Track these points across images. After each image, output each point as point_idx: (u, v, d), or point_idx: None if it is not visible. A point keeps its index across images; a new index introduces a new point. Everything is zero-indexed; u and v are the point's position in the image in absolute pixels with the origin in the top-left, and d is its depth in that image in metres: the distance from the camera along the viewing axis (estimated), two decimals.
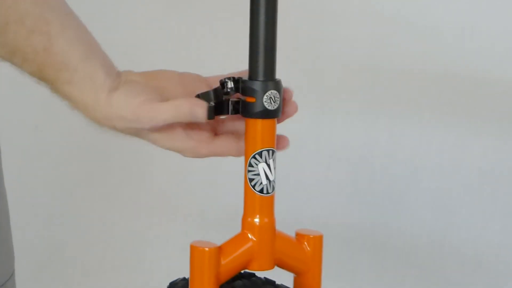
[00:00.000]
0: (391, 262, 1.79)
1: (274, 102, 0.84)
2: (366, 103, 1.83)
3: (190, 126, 0.87)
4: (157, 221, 2.00)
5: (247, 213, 0.85)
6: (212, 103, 0.83)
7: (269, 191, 0.85)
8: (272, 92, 0.83)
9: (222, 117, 0.89)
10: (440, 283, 1.75)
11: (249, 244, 0.85)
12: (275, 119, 0.84)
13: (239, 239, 0.85)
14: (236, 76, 0.85)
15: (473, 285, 1.74)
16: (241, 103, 0.84)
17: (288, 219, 1.75)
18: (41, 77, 0.84)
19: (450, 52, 1.77)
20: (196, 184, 1.97)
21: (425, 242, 1.77)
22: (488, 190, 1.74)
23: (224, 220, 1.86)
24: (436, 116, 1.78)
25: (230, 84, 0.84)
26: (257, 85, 0.83)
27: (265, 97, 0.83)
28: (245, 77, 0.85)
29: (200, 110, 0.82)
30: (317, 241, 0.89)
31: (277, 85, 0.84)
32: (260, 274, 0.89)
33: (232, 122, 0.89)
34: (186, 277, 0.87)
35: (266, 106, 0.83)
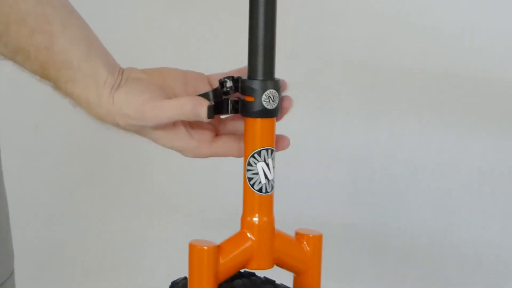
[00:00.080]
0: (391, 262, 1.79)
1: (273, 102, 0.84)
2: (366, 103, 1.83)
3: (192, 125, 0.87)
4: (157, 221, 2.00)
5: (246, 212, 0.85)
6: (212, 103, 0.83)
7: (268, 190, 0.85)
8: (271, 92, 0.83)
9: (223, 116, 0.89)
10: (440, 283, 1.75)
11: (248, 243, 0.85)
12: (274, 119, 0.84)
13: (238, 238, 0.85)
14: (235, 76, 0.85)
15: (473, 285, 1.74)
16: (240, 102, 0.84)
17: (288, 219, 1.75)
18: (43, 76, 0.85)
19: (450, 52, 1.77)
20: (196, 184, 1.97)
21: (425, 242, 1.77)
22: (488, 190, 1.74)
23: (224, 220, 1.86)
24: (436, 116, 1.78)
25: (229, 83, 0.84)
26: (256, 84, 0.83)
27: (264, 96, 0.83)
28: (245, 76, 0.85)
29: (202, 109, 0.82)
30: (317, 241, 0.89)
31: (276, 85, 0.84)
32: (260, 273, 0.89)
33: (233, 122, 0.89)
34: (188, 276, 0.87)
35: (265, 105, 0.83)
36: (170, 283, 0.90)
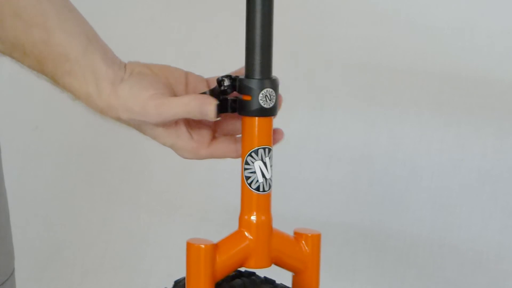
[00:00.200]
0: (391, 262, 1.79)
1: (270, 100, 0.84)
2: (366, 103, 1.83)
3: (192, 125, 0.87)
4: (157, 221, 2.00)
5: (244, 211, 0.85)
6: (217, 102, 0.83)
7: (266, 189, 0.85)
8: (267, 90, 0.84)
9: (217, 118, 0.89)
10: (440, 283, 1.75)
11: (246, 241, 0.85)
12: (272, 117, 0.85)
13: (236, 236, 0.85)
14: (233, 75, 0.85)
15: (473, 285, 1.74)
16: (238, 101, 0.85)
17: (288, 218, 1.75)
18: (41, 70, 0.85)
19: (450, 52, 1.77)
20: (196, 184, 1.97)
21: (425, 242, 1.77)
22: (488, 190, 1.74)
23: (224, 220, 1.86)
24: (436, 116, 1.78)
25: (227, 82, 0.85)
26: (252, 83, 0.83)
27: (260, 95, 0.83)
28: (243, 75, 0.85)
29: (210, 107, 0.82)
30: (315, 240, 0.89)
31: (273, 83, 0.84)
32: (260, 273, 0.89)
33: (230, 123, 0.89)
34: None
35: (262, 104, 0.83)
36: (173, 282, 0.90)
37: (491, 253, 1.73)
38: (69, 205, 2.06)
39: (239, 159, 0.87)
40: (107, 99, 0.83)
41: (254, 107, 0.83)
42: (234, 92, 0.85)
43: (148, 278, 1.97)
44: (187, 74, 0.88)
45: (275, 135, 0.87)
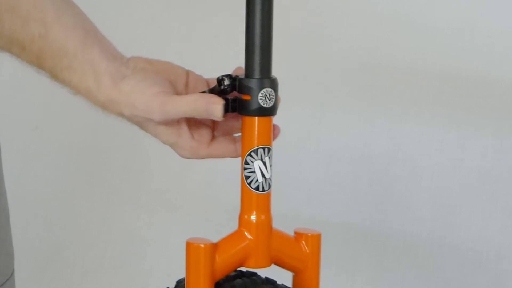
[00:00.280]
0: (391, 262, 1.79)
1: (269, 100, 0.84)
2: (366, 103, 1.83)
3: (192, 125, 0.87)
4: (157, 221, 2.00)
5: (244, 210, 0.85)
6: (224, 101, 0.83)
7: (265, 188, 0.85)
8: (267, 90, 0.83)
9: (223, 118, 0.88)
10: (440, 282, 1.75)
11: (246, 241, 0.85)
12: (271, 117, 0.84)
13: (236, 236, 0.85)
14: (233, 74, 0.85)
15: (473, 285, 1.74)
16: (238, 101, 0.84)
17: (288, 218, 1.75)
18: (39, 66, 0.84)
19: (450, 52, 1.77)
20: (196, 184, 1.97)
21: (424, 241, 1.77)
22: (488, 190, 1.74)
23: (224, 220, 1.86)
24: (436, 116, 1.78)
25: (227, 81, 0.84)
26: (252, 83, 0.83)
27: (260, 94, 0.83)
28: (243, 75, 0.85)
29: (217, 106, 0.82)
30: (315, 240, 0.89)
31: (272, 83, 0.84)
32: (261, 273, 0.89)
33: (228, 123, 0.89)
34: None
35: (261, 103, 0.83)
36: (175, 282, 0.90)
37: (491, 253, 1.73)
38: (69, 205, 2.06)
39: (239, 159, 0.87)
40: (108, 94, 0.83)
41: (254, 106, 0.83)
42: (234, 91, 0.85)
43: (148, 278, 1.97)
44: (188, 73, 0.88)
45: (272, 131, 0.87)
